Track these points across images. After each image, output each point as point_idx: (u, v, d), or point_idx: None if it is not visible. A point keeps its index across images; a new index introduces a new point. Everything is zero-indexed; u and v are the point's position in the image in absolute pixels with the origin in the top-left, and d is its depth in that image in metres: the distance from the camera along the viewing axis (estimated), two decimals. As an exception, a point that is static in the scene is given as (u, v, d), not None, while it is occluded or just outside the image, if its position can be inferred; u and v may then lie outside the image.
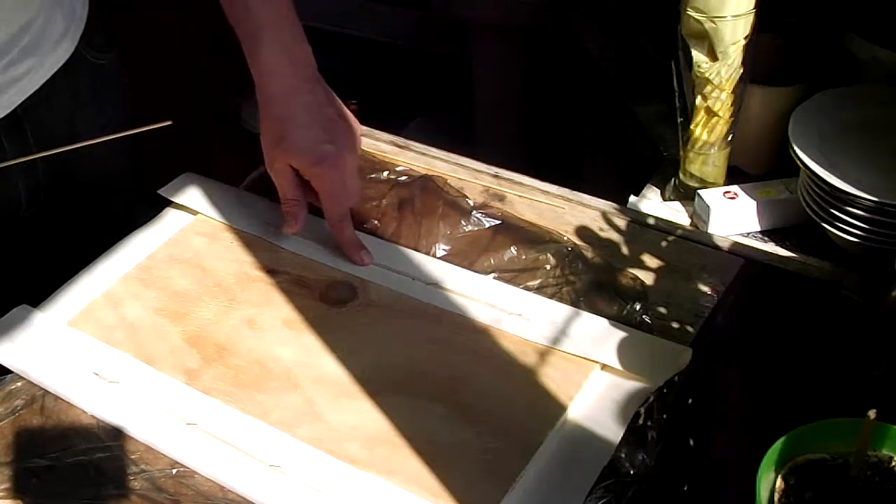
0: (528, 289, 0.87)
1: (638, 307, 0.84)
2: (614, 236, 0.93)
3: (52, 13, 0.95)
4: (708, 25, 0.91)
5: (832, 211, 0.91)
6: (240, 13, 0.91)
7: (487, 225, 0.94)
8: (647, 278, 0.88)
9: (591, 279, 0.88)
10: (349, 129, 0.92)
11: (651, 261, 0.90)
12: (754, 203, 0.98)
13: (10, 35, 0.90)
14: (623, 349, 0.80)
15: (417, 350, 0.82)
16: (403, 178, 0.99)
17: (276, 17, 0.90)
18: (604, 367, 0.79)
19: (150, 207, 0.98)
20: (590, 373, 0.79)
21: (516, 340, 0.82)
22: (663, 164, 1.10)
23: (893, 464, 0.63)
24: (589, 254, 0.90)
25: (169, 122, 0.82)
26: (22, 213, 0.99)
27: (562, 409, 0.76)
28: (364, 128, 1.08)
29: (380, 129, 1.09)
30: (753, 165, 1.05)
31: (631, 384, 0.78)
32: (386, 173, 1.00)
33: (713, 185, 1.02)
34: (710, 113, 0.97)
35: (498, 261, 0.90)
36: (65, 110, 0.99)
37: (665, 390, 0.76)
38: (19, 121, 0.94)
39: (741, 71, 0.95)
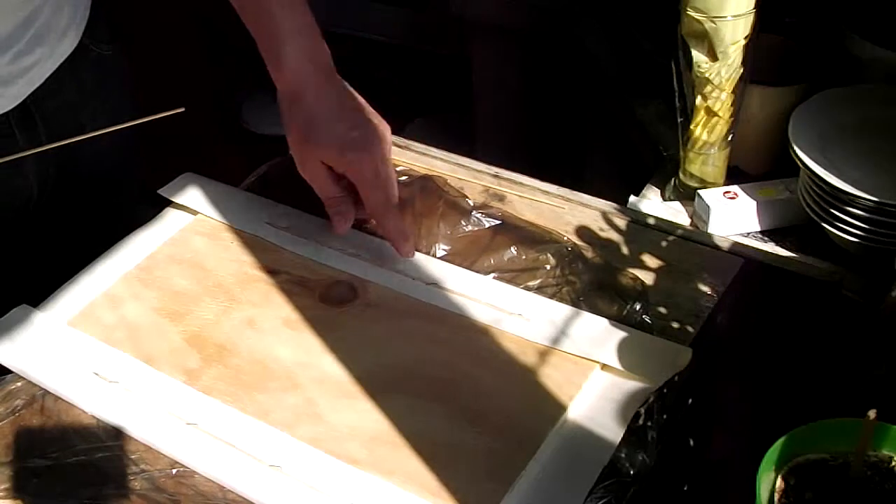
0: (528, 289, 0.87)
1: (638, 307, 0.84)
2: (614, 236, 0.93)
3: (59, 3, 0.95)
4: (708, 25, 0.91)
5: (832, 211, 0.91)
6: (258, 17, 0.90)
7: (487, 225, 0.94)
8: (647, 278, 0.88)
9: (591, 279, 0.88)
10: (375, 121, 0.91)
11: (651, 261, 0.90)
12: (754, 203, 0.98)
13: (18, 25, 0.91)
14: (623, 349, 0.80)
15: (417, 350, 0.82)
16: (403, 178, 0.99)
17: (297, 20, 0.90)
18: (604, 367, 0.79)
19: (150, 207, 0.98)
20: (590, 373, 0.79)
21: (516, 340, 0.82)
22: (663, 164, 1.10)
23: (893, 464, 0.63)
24: (589, 254, 0.90)
25: (182, 109, 0.83)
26: (32, 205, 1.00)
27: (562, 409, 0.76)
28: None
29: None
30: (753, 165, 1.05)
31: (631, 384, 0.78)
32: (386, 173, 1.00)
33: (713, 185, 1.02)
34: (710, 113, 0.97)
35: (498, 261, 0.90)
36: (72, 101, 1.00)
37: (665, 390, 0.76)
38: (29, 112, 0.95)
39: (741, 71, 0.95)
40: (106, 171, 1.07)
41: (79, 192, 1.04)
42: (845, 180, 0.90)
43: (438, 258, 0.91)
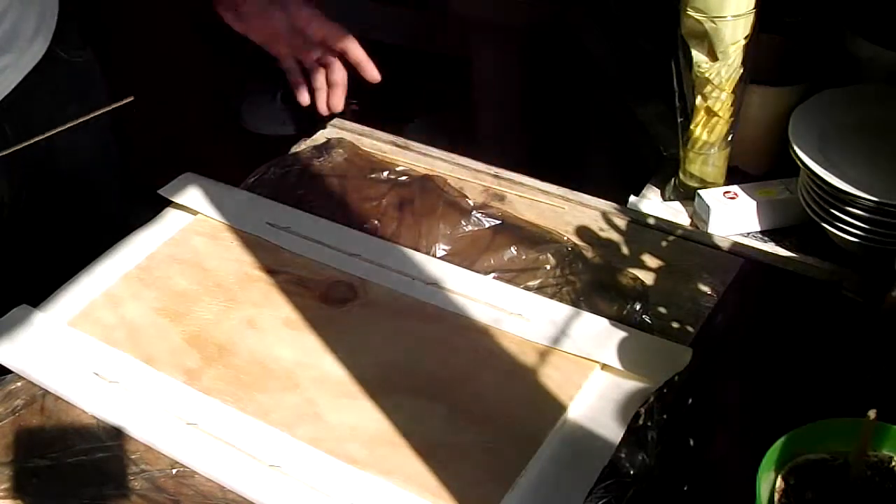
0: (528, 289, 0.87)
1: (638, 307, 0.84)
2: (614, 236, 0.93)
3: (25, 9, 0.95)
4: (708, 25, 0.91)
5: (832, 211, 0.91)
6: None
7: (487, 225, 0.94)
8: (647, 278, 0.88)
9: (591, 279, 0.88)
10: None
11: (651, 261, 0.90)
12: (754, 203, 0.98)
13: None
14: (623, 349, 0.80)
15: (417, 350, 0.82)
16: (403, 178, 0.99)
17: None
18: (604, 367, 0.79)
19: (150, 207, 0.98)
20: (590, 373, 0.79)
21: (516, 340, 0.82)
22: (663, 164, 1.10)
23: (893, 464, 0.63)
24: (589, 254, 0.90)
25: (130, 98, 0.84)
26: (5, 212, 0.99)
27: (562, 409, 0.76)
28: (364, 128, 1.09)
29: (380, 129, 1.09)
30: (753, 165, 1.05)
31: (631, 384, 0.78)
32: (386, 173, 1.00)
33: (713, 185, 1.02)
34: (710, 113, 0.97)
35: (498, 261, 0.90)
36: (44, 109, 0.99)
37: (665, 390, 0.76)
38: None
39: (741, 71, 0.95)
40: (83, 170, 1.07)
41: (58, 194, 1.04)
42: (845, 180, 0.90)
43: (438, 258, 0.91)
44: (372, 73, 1.05)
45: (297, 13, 1.03)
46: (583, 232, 0.93)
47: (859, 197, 0.89)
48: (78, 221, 1.06)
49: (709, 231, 0.97)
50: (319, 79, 1.06)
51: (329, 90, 1.06)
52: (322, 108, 1.08)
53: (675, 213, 1.03)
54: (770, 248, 0.97)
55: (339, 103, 1.07)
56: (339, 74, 1.05)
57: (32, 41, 0.97)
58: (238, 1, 1.03)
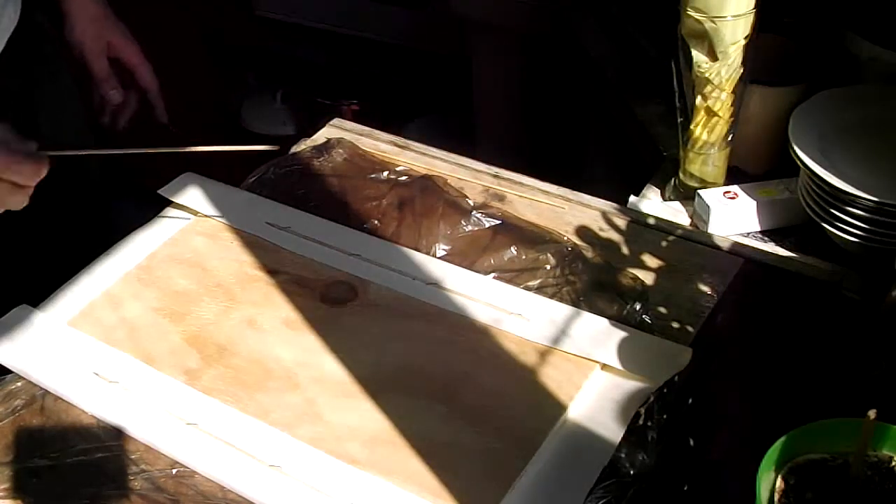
0: (528, 289, 0.87)
1: (638, 307, 0.84)
2: (614, 236, 0.93)
3: None
4: (708, 25, 0.91)
5: (832, 211, 0.91)
6: None
7: (487, 225, 0.94)
8: (647, 278, 0.88)
9: (591, 279, 0.88)
10: None
11: (651, 261, 0.90)
12: (754, 203, 0.98)
13: None
14: (623, 349, 0.80)
15: (417, 350, 0.82)
16: (403, 178, 0.99)
17: None
18: (604, 367, 0.79)
19: (149, 207, 0.98)
20: (590, 373, 0.79)
21: (516, 340, 0.82)
22: (663, 164, 1.10)
23: (893, 464, 0.63)
24: (589, 254, 0.90)
25: (277, 147, 0.91)
26: None
27: (562, 409, 0.76)
28: (364, 128, 1.09)
29: (380, 129, 1.09)
30: (753, 165, 1.05)
31: (631, 384, 0.78)
32: (386, 173, 1.00)
33: (713, 185, 1.02)
34: (710, 113, 0.97)
35: (498, 261, 0.90)
36: (21, 78, 1.00)
37: (665, 390, 0.76)
38: None
39: (741, 71, 0.95)
40: (63, 167, 1.08)
41: (44, 187, 1.05)
42: (845, 180, 0.90)
43: (438, 258, 0.91)
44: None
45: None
46: (583, 232, 0.93)
47: (859, 197, 0.89)
48: (73, 219, 1.06)
49: (709, 231, 0.97)
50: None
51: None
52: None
53: (675, 213, 1.03)
54: (770, 248, 0.97)
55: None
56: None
57: (3, 8, 0.97)
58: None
